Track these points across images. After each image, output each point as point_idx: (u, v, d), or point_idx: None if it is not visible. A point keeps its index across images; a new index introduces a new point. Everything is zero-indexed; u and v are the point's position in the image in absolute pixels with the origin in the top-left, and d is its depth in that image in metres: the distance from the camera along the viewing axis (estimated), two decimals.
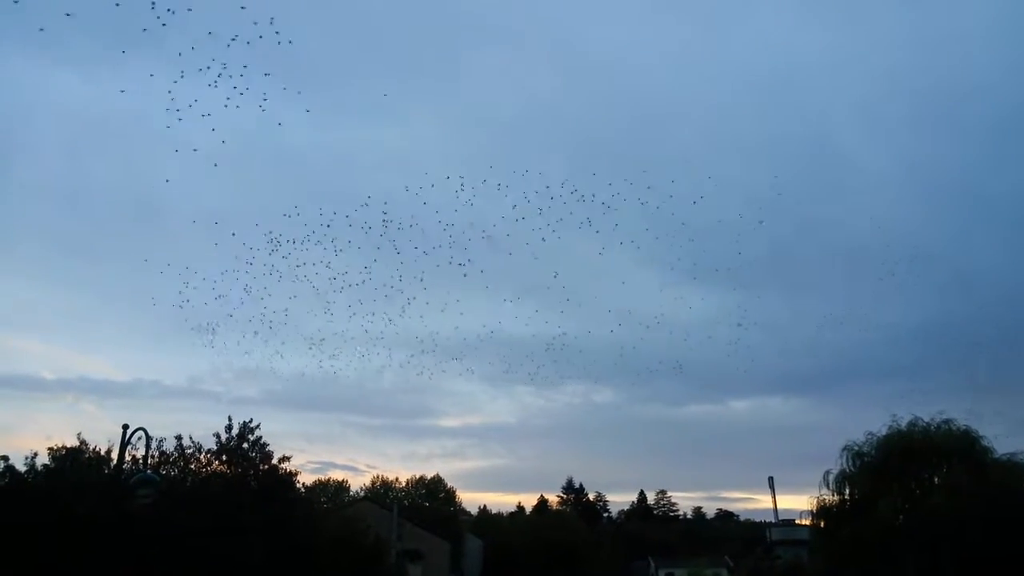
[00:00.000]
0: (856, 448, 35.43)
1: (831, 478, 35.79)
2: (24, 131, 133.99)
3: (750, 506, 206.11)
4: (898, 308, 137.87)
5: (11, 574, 24.79)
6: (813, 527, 41.88)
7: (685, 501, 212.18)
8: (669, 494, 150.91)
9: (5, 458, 31.13)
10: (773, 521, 79.55)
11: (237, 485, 33.02)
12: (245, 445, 34.68)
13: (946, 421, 33.96)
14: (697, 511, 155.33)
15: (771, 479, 78.94)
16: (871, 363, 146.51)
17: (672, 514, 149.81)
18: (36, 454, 31.28)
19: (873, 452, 34.81)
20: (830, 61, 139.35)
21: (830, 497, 35.93)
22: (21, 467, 30.78)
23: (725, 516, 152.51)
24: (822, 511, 36.52)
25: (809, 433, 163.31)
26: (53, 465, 31.55)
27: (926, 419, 34.34)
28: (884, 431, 34.90)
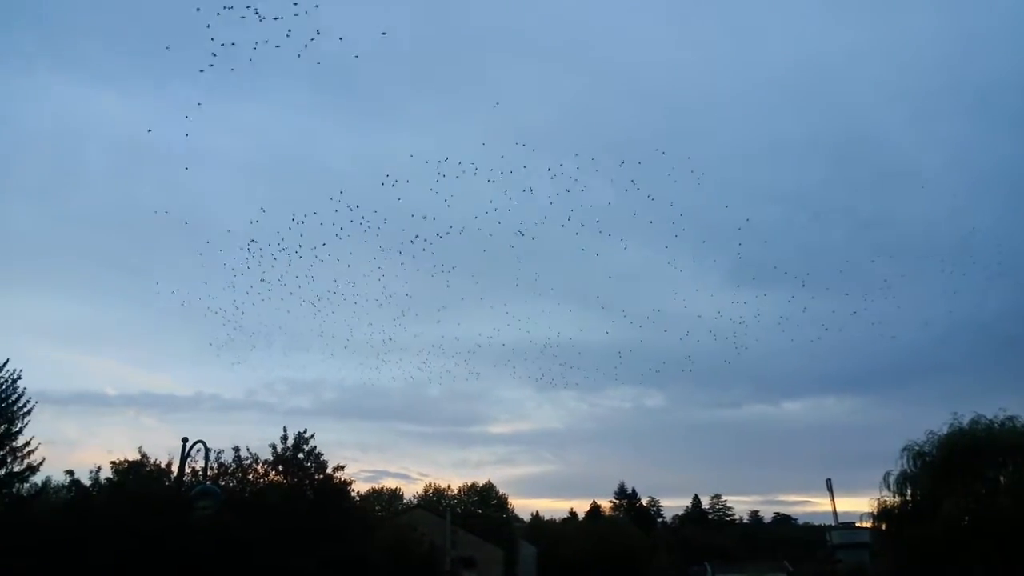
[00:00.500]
0: (917, 448, 34.52)
1: (892, 479, 34.95)
2: (74, 158, 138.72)
3: (808, 509, 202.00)
4: (954, 303, 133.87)
5: None
6: (875, 529, 40.92)
7: (741, 505, 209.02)
8: (724, 498, 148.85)
9: (71, 472, 32.20)
10: (833, 524, 77.66)
11: (293, 495, 33.54)
12: (300, 455, 35.23)
13: (1010, 418, 32.93)
14: (754, 515, 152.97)
15: (829, 481, 76.97)
16: (928, 361, 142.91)
17: (728, 519, 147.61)
18: (100, 468, 32.32)
19: (935, 451, 33.86)
20: (867, 53, 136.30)
21: (891, 498, 35.09)
22: (86, 481, 31.78)
23: (782, 520, 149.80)
24: (884, 513, 35.66)
25: (867, 433, 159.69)
26: (116, 479, 32.44)
27: (988, 416, 33.33)
28: (945, 430, 33.96)
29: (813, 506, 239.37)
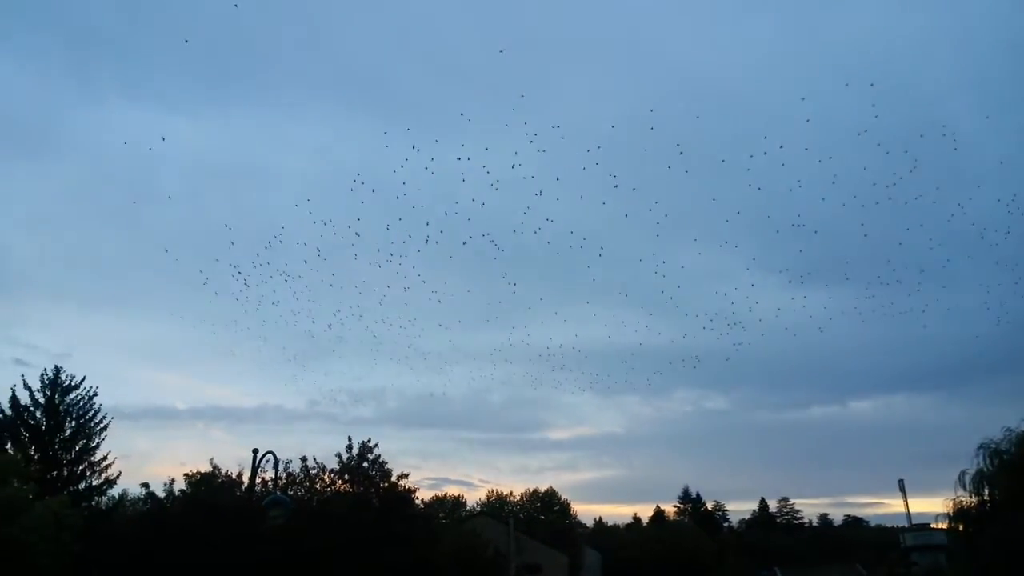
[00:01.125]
0: (994, 446, 33.25)
1: (968, 478, 33.71)
2: (150, 180, 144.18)
3: (879, 511, 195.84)
4: None
5: None
6: (951, 531, 39.57)
7: (809, 508, 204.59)
8: (792, 501, 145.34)
9: (146, 485, 33.39)
10: (906, 526, 75.40)
11: (360, 503, 34.08)
12: (365, 464, 35.79)
13: None
14: (823, 518, 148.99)
15: (901, 482, 74.88)
16: (1003, 355, 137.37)
17: (796, 522, 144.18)
18: (173, 480, 33.49)
19: (1013, 449, 32.57)
20: (931, 40, 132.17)
21: (968, 499, 33.86)
22: (160, 492, 32.88)
23: (853, 522, 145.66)
24: (960, 514, 34.46)
25: (939, 432, 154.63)
26: (189, 491, 33.47)
27: None
28: None
29: (885, 508, 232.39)
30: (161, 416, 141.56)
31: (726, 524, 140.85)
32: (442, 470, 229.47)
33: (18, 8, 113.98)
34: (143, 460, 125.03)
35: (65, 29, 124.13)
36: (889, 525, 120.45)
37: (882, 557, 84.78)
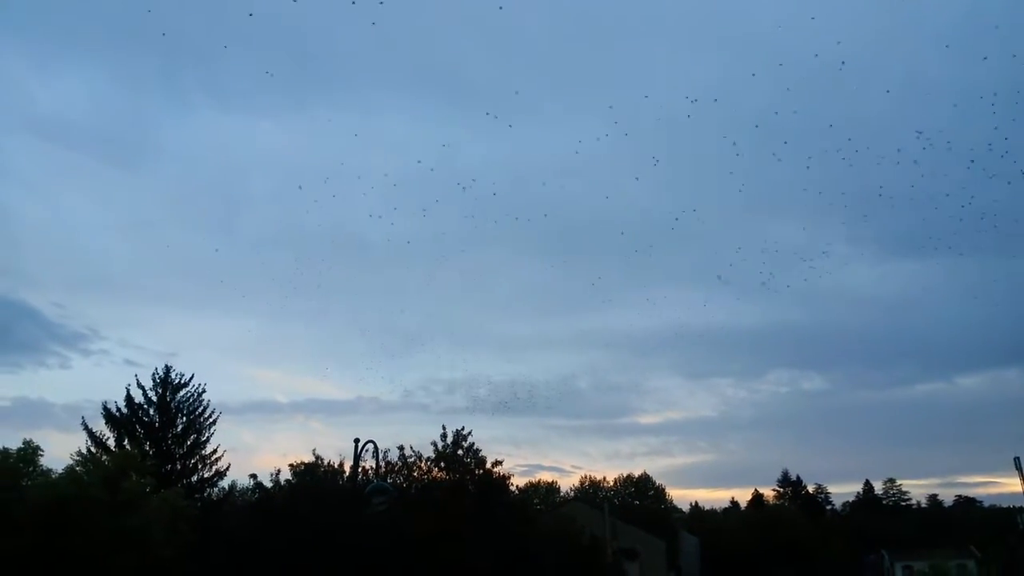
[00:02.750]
0: None
1: None
2: (242, 185, 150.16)
3: (993, 491, 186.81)
4: None
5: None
6: None
7: (917, 489, 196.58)
8: (899, 482, 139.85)
9: (254, 476, 34.68)
10: (1023, 505, 71.47)
11: (457, 490, 34.52)
12: (460, 452, 36.20)
13: None
14: (932, 499, 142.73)
15: (1017, 459, 70.69)
16: None
17: (904, 504, 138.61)
18: (279, 471, 34.58)
19: None
20: None
21: None
22: (267, 483, 34.09)
23: (966, 503, 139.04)
24: None
25: None
26: (295, 480, 34.59)
27: None
28: None
29: (1000, 487, 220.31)
30: (263, 410, 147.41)
31: (829, 507, 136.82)
32: (534, 457, 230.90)
33: (104, 20, 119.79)
34: (249, 453, 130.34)
35: (151, 39, 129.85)
36: (1005, 505, 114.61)
37: (998, 538, 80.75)
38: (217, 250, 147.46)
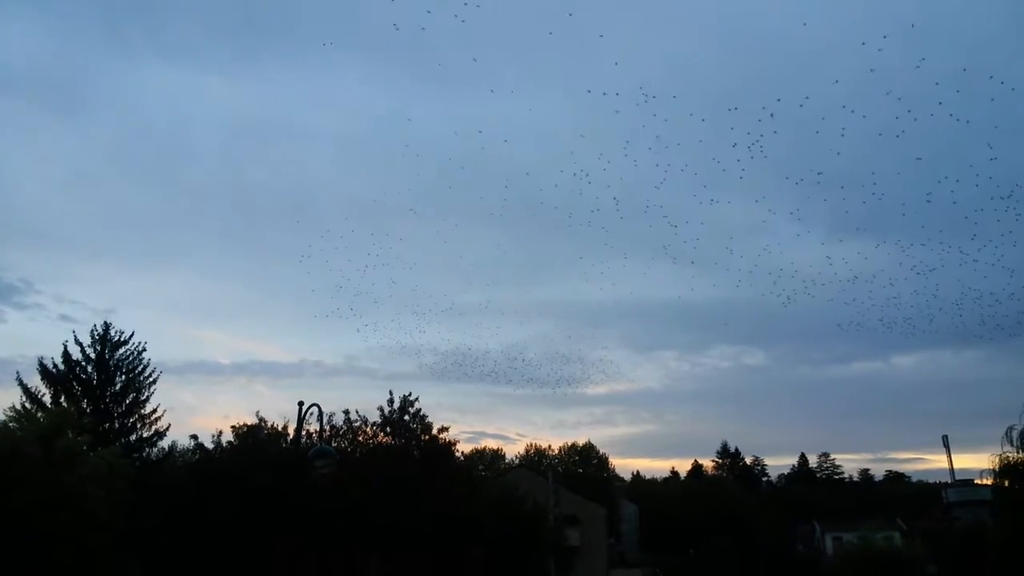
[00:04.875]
0: None
1: (1015, 434, 33.30)
2: (184, 139, 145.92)
3: (921, 467, 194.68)
4: None
5: (206, 541, 27.06)
6: (995, 487, 39.13)
7: (850, 463, 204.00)
8: (832, 456, 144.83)
9: (195, 437, 34.16)
10: (949, 481, 74.60)
11: (402, 455, 34.54)
12: (406, 417, 36.16)
13: None
14: (864, 473, 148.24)
15: (945, 437, 73.73)
16: None
17: (837, 477, 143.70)
18: (221, 432, 34.00)
19: None
20: None
21: (1014, 454, 33.51)
22: (208, 444, 33.62)
23: (895, 478, 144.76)
24: (1005, 469, 34.08)
25: (986, 387, 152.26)
26: (236, 442, 34.17)
27: None
28: None
29: (927, 463, 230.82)
30: (205, 371, 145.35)
31: (765, 479, 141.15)
32: (479, 424, 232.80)
33: None
34: (189, 413, 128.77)
35: None
36: (932, 481, 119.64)
37: (923, 512, 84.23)
38: (159, 204, 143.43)
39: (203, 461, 32.96)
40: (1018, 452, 33.37)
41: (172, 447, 38.94)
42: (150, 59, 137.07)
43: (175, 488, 30.24)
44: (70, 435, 24.20)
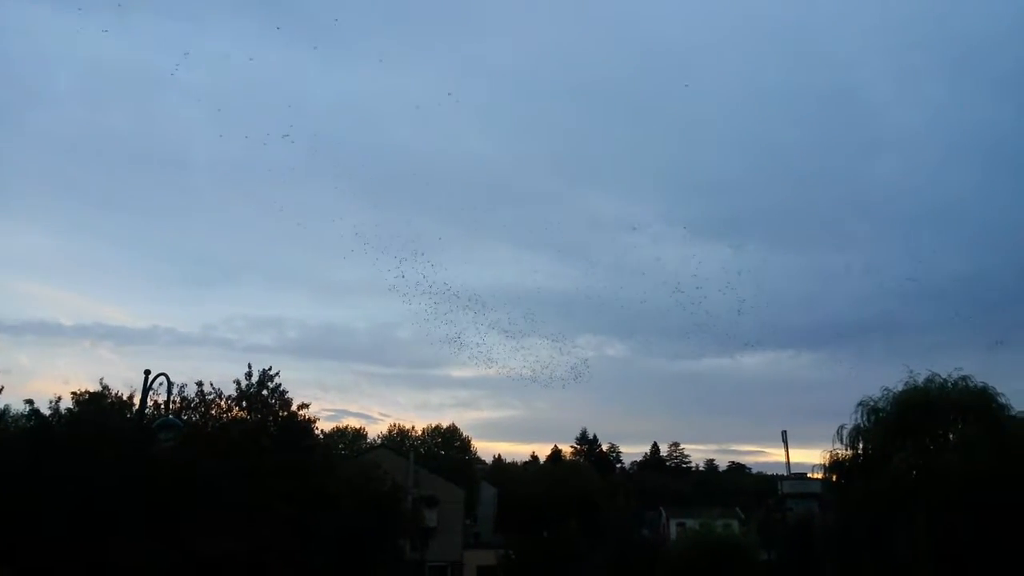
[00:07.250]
0: (872, 403, 35.34)
1: (845, 433, 35.80)
2: (40, 80, 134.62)
3: (761, 459, 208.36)
4: (917, 263, 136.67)
5: (42, 515, 25.38)
6: (825, 481, 42.08)
7: (697, 453, 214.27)
8: (682, 446, 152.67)
9: (30, 401, 31.70)
10: (785, 474, 79.93)
11: (257, 431, 33.54)
12: (264, 392, 35.11)
13: (963, 378, 33.66)
14: (709, 463, 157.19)
15: (784, 433, 78.80)
16: (887, 318, 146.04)
17: (685, 466, 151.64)
18: (59, 398, 31.64)
19: (889, 408, 34.69)
20: (856, 9, 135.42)
21: (843, 452, 35.97)
22: (45, 410, 31.32)
23: (737, 469, 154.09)
24: (835, 465, 36.63)
25: (823, 388, 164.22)
26: (76, 409, 32.06)
27: (943, 375, 34.08)
28: (900, 387, 34.70)
29: (767, 456, 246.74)
30: (43, 331, 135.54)
31: (619, 465, 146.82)
32: (342, 403, 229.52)
33: None
34: (25, 376, 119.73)
35: None
36: (770, 473, 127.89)
37: (760, 502, 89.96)
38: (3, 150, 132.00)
39: (39, 428, 30.74)
40: (847, 450, 35.87)
41: (5, 411, 36.16)
42: None
43: (6, 455, 28.13)
44: None
